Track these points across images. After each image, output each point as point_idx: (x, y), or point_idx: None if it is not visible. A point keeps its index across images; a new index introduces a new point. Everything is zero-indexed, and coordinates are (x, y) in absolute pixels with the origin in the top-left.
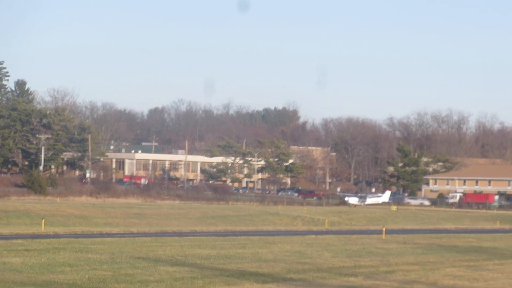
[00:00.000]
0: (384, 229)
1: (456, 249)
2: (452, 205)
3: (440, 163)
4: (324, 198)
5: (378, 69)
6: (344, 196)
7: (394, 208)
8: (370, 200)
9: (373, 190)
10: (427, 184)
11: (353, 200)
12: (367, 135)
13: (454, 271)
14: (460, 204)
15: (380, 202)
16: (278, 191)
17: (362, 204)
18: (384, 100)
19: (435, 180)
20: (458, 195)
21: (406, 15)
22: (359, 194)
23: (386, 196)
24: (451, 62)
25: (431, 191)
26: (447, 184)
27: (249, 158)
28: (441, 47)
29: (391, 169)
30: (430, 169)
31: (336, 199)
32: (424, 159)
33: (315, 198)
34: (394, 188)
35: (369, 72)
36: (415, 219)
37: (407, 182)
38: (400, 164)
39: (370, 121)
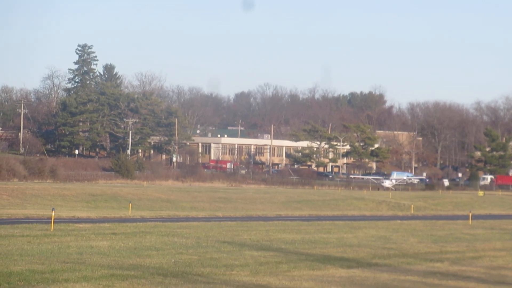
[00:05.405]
0: (470, 214)
1: None
2: (483, 187)
3: None
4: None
5: (466, 52)
6: (379, 180)
7: (481, 193)
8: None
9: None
10: None
11: (388, 183)
12: (454, 120)
13: None
14: (491, 186)
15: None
16: (363, 175)
17: (391, 187)
18: (472, 84)
19: None
20: (489, 177)
21: None
22: (390, 177)
23: (393, 178)
24: None
25: None
26: None
27: (335, 143)
28: None
29: (478, 154)
30: None
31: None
32: None
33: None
34: (481, 173)
35: (456, 56)
36: (502, 204)
37: (494, 167)
38: (488, 149)
39: (457, 105)
